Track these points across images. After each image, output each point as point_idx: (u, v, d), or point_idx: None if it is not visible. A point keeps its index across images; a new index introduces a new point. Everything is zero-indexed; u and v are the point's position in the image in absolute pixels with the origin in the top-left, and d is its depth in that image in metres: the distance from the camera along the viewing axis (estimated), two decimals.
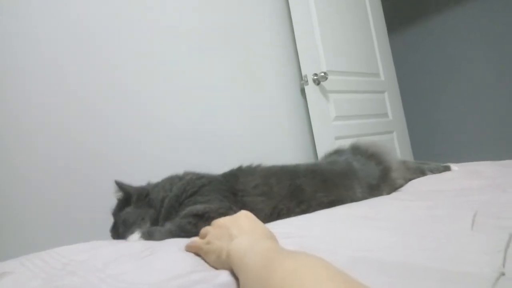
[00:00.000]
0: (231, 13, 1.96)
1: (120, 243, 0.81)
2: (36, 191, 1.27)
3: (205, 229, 0.67)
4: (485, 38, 2.91)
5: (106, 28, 1.51)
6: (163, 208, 0.94)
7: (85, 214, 1.32)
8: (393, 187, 1.17)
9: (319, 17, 2.20)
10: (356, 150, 1.25)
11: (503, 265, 0.46)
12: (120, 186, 0.98)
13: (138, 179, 1.06)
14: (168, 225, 0.85)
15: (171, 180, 1.03)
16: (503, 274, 0.44)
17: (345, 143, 2.07)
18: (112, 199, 1.02)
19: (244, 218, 0.61)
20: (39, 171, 1.28)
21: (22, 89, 1.29)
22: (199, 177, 1.01)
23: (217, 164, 1.53)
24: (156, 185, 1.03)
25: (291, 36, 2.17)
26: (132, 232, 0.89)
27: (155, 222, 0.93)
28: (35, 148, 1.29)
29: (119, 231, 0.93)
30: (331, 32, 2.25)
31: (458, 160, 1.72)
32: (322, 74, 2.07)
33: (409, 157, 2.55)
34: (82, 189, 1.34)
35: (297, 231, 0.75)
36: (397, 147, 2.47)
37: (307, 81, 2.08)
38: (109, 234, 1.00)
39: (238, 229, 0.57)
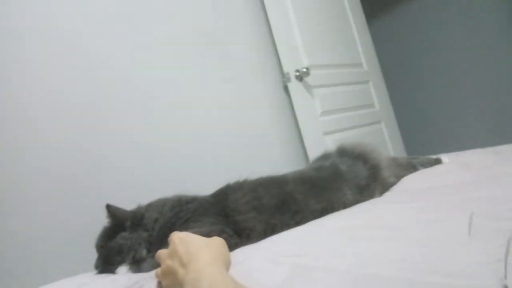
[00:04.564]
0: (204, 15, 1.92)
1: (106, 277, 0.78)
2: (36, 201, 1.27)
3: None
4: (469, 21, 2.89)
5: (93, 36, 1.50)
6: (155, 232, 0.90)
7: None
8: (385, 187, 1.15)
9: (295, 11, 2.16)
10: (342, 152, 1.23)
11: (505, 276, 0.44)
12: (113, 211, 0.91)
13: (120, 199, 1.01)
14: None
15: (163, 201, 0.98)
16: (505, 286, 0.43)
17: (335, 138, 2.08)
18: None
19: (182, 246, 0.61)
20: (40, 180, 1.29)
21: (19, 96, 1.30)
22: (190, 200, 0.97)
23: (202, 172, 1.52)
24: (150, 205, 0.98)
25: (269, 34, 2.13)
26: (130, 259, 0.85)
27: (149, 245, 0.89)
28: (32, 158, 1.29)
29: (113, 261, 0.87)
30: (310, 26, 2.23)
31: (450, 147, 1.71)
32: (304, 69, 2.05)
33: (399, 146, 2.54)
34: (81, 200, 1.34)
35: (293, 249, 0.73)
36: (387, 137, 2.46)
37: (289, 78, 2.05)
38: None
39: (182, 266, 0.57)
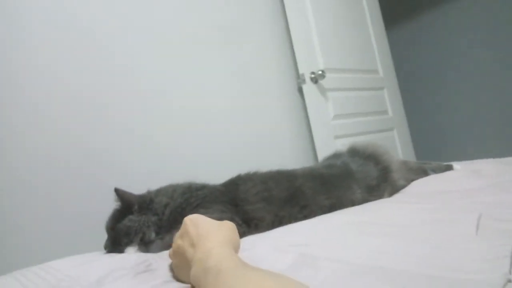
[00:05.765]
0: (223, 12, 1.92)
1: (115, 255, 0.79)
2: (36, 193, 1.26)
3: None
4: (485, 32, 2.86)
5: (101, 29, 1.49)
6: (165, 216, 0.91)
7: (86, 217, 1.30)
8: (395, 188, 1.15)
9: (314, 14, 2.16)
10: (353, 152, 1.23)
11: (510, 272, 0.45)
12: (121, 194, 0.94)
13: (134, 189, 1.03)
14: (167, 238, 0.84)
15: (174, 187, 1.00)
16: (509, 281, 0.43)
17: (345, 142, 2.08)
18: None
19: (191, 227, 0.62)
20: (38, 173, 1.27)
21: (20, 89, 1.28)
22: (200, 187, 0.98)
23: (214, 167, 1.52)
24: (159, 191, 1.00)
25: (287, 34, 2.14)
26: (139, 240, 0.87)
27: (158, 229, 0.91)
28: (33, 150, 1.28)
29: (121, 242, 0.89)
30: (328, 29, 2.22)
31: (461, 157, 1.70)
32: (320, 72, 2.04)
33: (410, 154, 2.53)
34: (83, 191, 1.33)
35: (300, 239, 0.74)
36: (398, 144, 2.44)
37: (304, 79, 2.05)
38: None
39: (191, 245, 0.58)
